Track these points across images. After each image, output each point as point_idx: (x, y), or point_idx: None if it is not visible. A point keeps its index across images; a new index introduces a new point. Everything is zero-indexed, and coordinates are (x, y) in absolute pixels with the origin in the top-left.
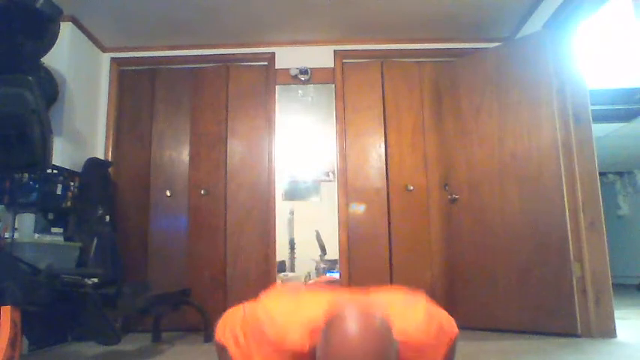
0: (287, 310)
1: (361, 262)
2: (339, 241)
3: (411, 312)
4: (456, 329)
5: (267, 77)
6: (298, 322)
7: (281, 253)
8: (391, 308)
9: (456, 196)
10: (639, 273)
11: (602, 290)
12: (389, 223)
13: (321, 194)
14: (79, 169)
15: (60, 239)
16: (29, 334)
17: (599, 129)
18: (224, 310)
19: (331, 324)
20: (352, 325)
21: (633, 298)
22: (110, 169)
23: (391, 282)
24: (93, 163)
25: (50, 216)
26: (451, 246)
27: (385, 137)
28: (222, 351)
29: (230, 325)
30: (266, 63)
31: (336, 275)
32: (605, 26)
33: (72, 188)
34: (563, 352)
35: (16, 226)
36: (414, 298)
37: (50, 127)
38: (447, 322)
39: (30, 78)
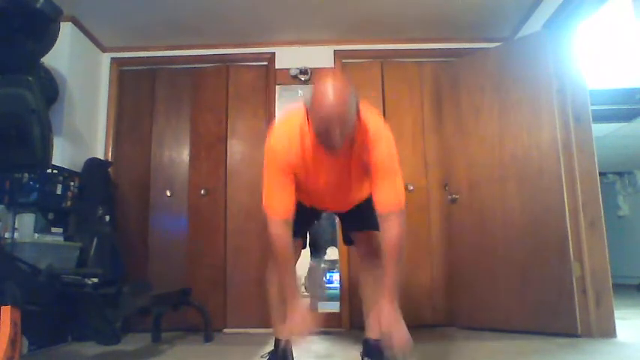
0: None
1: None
2: (339, 242)
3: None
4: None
5: (267, 77)
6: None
7: None
8: None
9: (456, 196)
10: (639, 273)
11: (602, 290)
12: None
13: None
14: (79, 169)
15: (60, 239)
16: (29, 334)
17: (599, 129)
18: (224, 310)
19: (315, 84)
20: (328, 82)
21: (633, 298)
22: (110, 169)
23: None
24: (93, 163)
25: (50, 216)
26: (451, 246)
27: None
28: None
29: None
30: (266, 63)
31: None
32: (605, 26)
33: (72, 188)
34: (563, 352)
35: (16, 226)
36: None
37: (50, 127)
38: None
39: (30, 78)
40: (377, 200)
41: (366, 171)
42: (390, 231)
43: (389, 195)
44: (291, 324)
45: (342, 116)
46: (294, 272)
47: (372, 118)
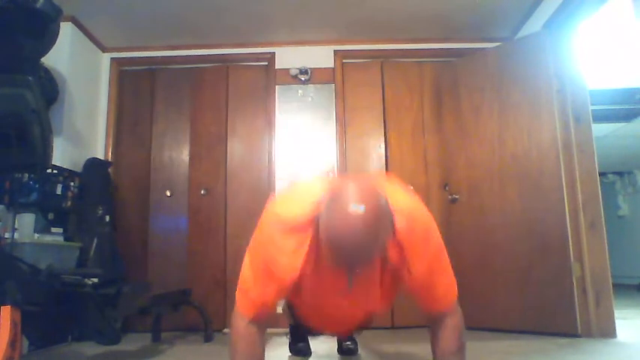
0: (290, 197)
1: None
2: None
3: (402, 191)
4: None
5: (267, 77)
6: (302, 199)
7: None
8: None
9: (456, 196)
10: (639, 273)
11: (602, 290)
12: None
13: None
14: (79, 169)
15: (60, 239)
16: (29, 334)
17: (599, 129)
18: (224, 310)
19: (333, 195)
20: (353, 195)
21: (633, 298)
22: (110, 169)
23: None
24: (93, 163)
25: (50, 216)
26: (451, 246)
27: (385, 137)
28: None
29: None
30: (266, 63)
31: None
32: (605, 26)
33: (72, 188)
34: (563, 352)
35: (16, 226)
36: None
37: (50, 127)
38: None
39: (30, 78)
40: (423, 306)
41: (397, 285)
42: (446, 333)
43: (436, 298)
44: None
45: (366, 252)
46: None
47: (408, 224)
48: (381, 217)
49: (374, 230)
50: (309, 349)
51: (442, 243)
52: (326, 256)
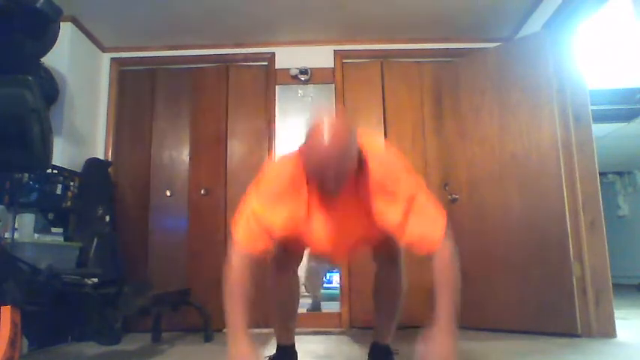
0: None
1: (361, 262)
2: None
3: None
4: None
5: (267, 77)
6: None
7: None
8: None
9: (456, 196)
10: (639, 273)
11: (602, 290)
12: None
13: None
14: (79, 169)
15: (60, 239)
16: (29, 334)
17: (599, 129)
18: (224, 310)
19: (311, 122)
20: (325, 121)
21: (633, 298)
22: (110, 169)
23: None
24: (93, 163)
25: (50, 216)
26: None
27: (385, 137)
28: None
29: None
30: (266, 63)
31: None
32: (605, 26)
33: (72, 188)
34: (563, 352)
35: (16, 226)
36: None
37: (50, 127)
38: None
39: (30, 78)
40: (410, 249)
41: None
42: (437, 266)
43: (417, 241)
44: None
45: (338, 159)
46: (244, 311)
47: (377, 156)
48: (348, 139)
49: (341, 145)
50: None
51: (421, 184)
52: (309, 183)
